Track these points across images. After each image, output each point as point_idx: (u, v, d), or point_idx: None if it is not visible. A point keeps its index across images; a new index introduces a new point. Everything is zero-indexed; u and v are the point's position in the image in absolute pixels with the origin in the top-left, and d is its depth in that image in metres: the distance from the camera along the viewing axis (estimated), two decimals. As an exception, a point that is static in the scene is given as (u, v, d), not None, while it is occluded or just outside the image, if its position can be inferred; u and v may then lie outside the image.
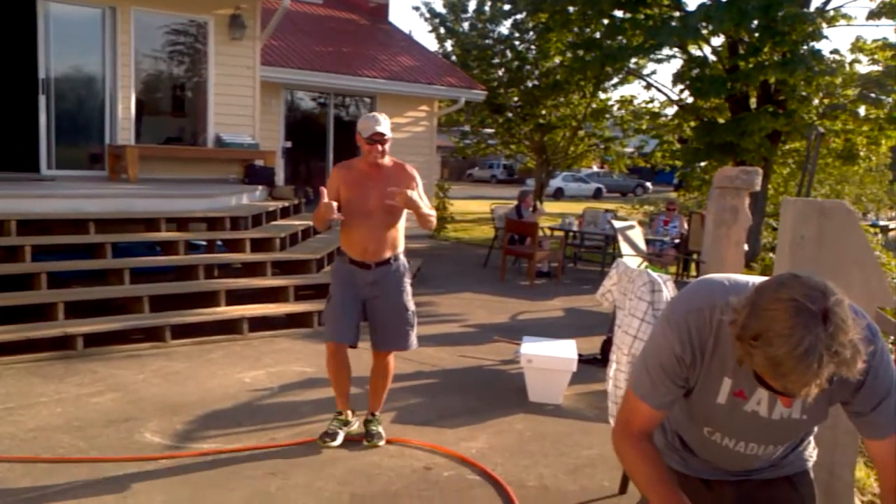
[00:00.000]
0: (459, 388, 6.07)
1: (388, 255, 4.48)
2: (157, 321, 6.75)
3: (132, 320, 6.73)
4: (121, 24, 9.78)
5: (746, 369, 1.65)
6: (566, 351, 5.82)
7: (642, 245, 7.45)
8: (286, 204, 10.08)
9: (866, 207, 29.56)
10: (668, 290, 3.63)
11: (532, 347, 5.82)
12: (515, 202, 12.16)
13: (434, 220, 4.53)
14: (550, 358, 5.66)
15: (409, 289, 4.62)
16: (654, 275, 3.63)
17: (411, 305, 4.62)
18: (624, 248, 7.05)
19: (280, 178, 11.84)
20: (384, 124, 4.28)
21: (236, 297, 7.52)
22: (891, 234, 28.22)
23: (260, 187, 10.25)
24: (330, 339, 4.53)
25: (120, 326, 6.56)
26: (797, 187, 9.24)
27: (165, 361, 6.27)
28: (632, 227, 7.60)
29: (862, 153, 15.91)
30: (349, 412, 4.76)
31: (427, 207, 4.40)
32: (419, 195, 4.36)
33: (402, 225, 4.55)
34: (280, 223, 9.45)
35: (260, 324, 7.28)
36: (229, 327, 7.07)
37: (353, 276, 4.48)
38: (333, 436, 4.57)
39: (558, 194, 35.79)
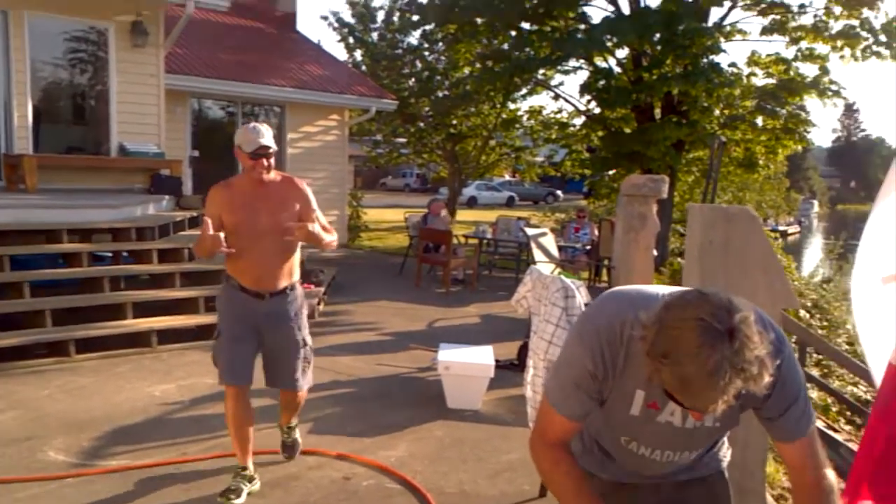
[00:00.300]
0: (377, 396, 6.01)
1: (284, 283, 3.98)
2: (61, 335, 6.48)
3: (34, 335, 6.44)
4: (13, 29, 9.37)
5: (658, 383, 1.67)
6: (483, 357, 5.83)
7: (555, 251, 7.56)
8: (194, 214, 9.83)
9: (766, 213, 30.76)
10: (581, 296, 3.67)
11: (449, 354, 5.82)
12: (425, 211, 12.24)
13: (335, 242, 4.07)
14: (468, 364, 5.66)
15: (305, 322, 4.14)
16: (567, 280, 3.67)
17: (308, 340, 4.15)
18: (537, 254, 7.14)
19: (187, 187, 11.55)
20: (267, 136, 3.77)
21: (144, 310, 7.28)
22: (789, 238, 29.47)
23: (167, 197, 9.98)
24: (229, 382, 3.91)
25: (21, 341, 6.27)
26: (702, 194, 9.52)
27: (71, 377, 6.02)
28: (544, 234, 7.70)
29: (761, 161, 16.58)
30: (252, 467, 4.06)
31: (326, 232, 3.96)
32: (315, 218, 3.95)
33: (297, 250, 4.07)
34: (188, 233, 9.21)
35: (169, 336, 7.07)
36: (137, 340, 6.85)
37: (245, 305, 3.95)
38: (237, 492, 3.89)
39: (472, 203, 36.04)
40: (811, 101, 15.22)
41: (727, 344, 1.50)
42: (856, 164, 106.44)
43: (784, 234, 36.27)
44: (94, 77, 10.37)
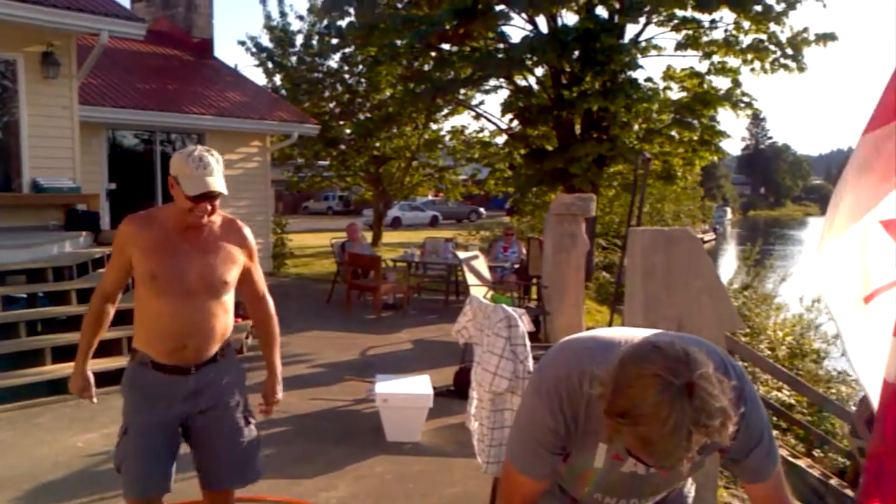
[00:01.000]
0: (313, 433, 5.87)
1: (215, 349, 3.01)
2: (-26, 387, 6.15)
3: (-56, 388, 6.09)
4: (-85, 64, 8.95)
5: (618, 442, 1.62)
6: (420, 387, 5.76)
7: (487, 274, 7.55)
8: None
9: (684, 222, 31.52)
10: (523, 325, 3.64)
11: (386, 386, 5.73)
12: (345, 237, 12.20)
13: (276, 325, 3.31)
14: (406, 395, 5.58)
15: (245, 391, 3.17)
16: (509, 310, 3.63)
17: (254, 414, 3.20)
18: (470, 278, 7.11)
19: (105, 221, 11.17)
20: (217, 174, 2.84)
21: (64, 354, 6.96)
22: (706, 245, 30.32)
23: (84, 233, 9.61)
24: (135, 496, 2.90)
25: (-71, 397, 5.93)
26: (628, 213, 9.67)
27: (-14, 432, 5.71)
28: (476, 257, 7.70)
29: (679, 174, 16.95)
30: None
31: (271, 318, 3.26)
32: (257, 277, 3.21)
33: (231, 299, 3.09)
34: (109, 271, 8.89)
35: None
36: (58, 387, 6.52)
37: (160, 389, 2.96)
38: None
39: (396, 223, 35.97)
40: (723, 113, 15.68)
41: (686, 401, 1.45)
42: (764, 170, 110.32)
43: (702, 242, 37.28)
44: (3, 110, 9.94)
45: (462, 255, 8.09)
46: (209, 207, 2.88)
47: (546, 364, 1.87)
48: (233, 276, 3.03)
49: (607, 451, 1.82)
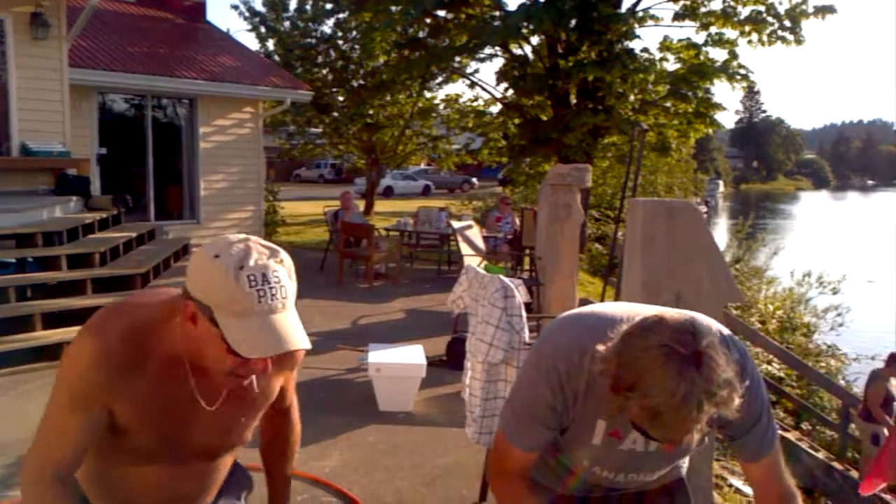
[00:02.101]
0: (305, 402, 5.75)
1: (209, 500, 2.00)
2: (-37, 352, 6.10)
3: (-68, 353, 6.04)
4: None
5: (625, 417, 1.59)
6: (414, 356, 5.74)
7: (481, 244, 7.51)
8: (104, 215, 9.41)
9: (676, 195, 31.47)
10: (520, 295, 3.60)
11: (379, 355, 5.70)
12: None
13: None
14: (399, 365, 5.56)
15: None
16: (507, 280, 3.59)
17: None
18: (463, 248, 7.07)
19: (96, 187, 11.06)
20: (291, 311, 1.65)
21: (54, 320, 6.91)
22: (698, 219, 30.35)
23: (74, 198, 9.52)
24: None
25: (-82, 361, 5.88)
26: (623, 184, 9.62)
27: (-25, 397, 5.67)
28: (469, 227, 7.65)
29: (674, 145, 16.89)
30: None
31: (298, 437, 2.26)
32: (290, 388, 2.12)
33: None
34: (99, 236, 8.81)
35: (83, 347, 6.72)
36: (48, 353, 6.48)
37: None
38: None
39: (388, 192, 35.81)
40: (718, 85, 15.60)
41: (695, 370, 1.43)
42: (757, 144, 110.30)
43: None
44: (-9, 72, 9.81)
45: (456, 224, 8.05)
46: (269, 365, 1.65)
47: (546, 339, 1.84)
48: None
49: (605, 427, 1.79)
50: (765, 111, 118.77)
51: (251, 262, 1.56)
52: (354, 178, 35.77)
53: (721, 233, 33.66)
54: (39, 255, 7.57)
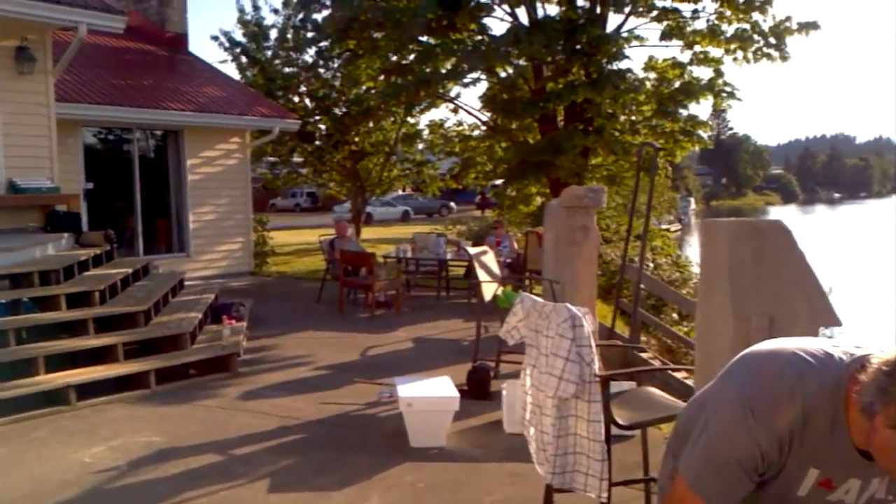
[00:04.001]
0: (331, 440, 5.60)
1: None
2: (-36, 401, 5.78)
3: (-67, 403, 5.72)
4: None
5: (842, 457, 1.43)
6: (444, 389, 5.52)
7: (496, 269, 7.33)
8: (98, 251, 9.14)
9: (659, 212, 31.57)
10: (587, 324, 3.41)
11: (408, 389, 5.47)
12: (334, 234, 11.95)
13: None
14: (431, 399, 5.33)
15: None
16: (574, 309, 3.40)
17: None
18: (480, 274, 6.88)
19: (83, 223, 10.75)
20: None
21: (57, 363, 6.60)
22: (672, 235, 30.46)
23: (66, 235, 9.23)
24: None
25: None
26: (631, 206, 9.52)
27: (-19, 449, 5.35)
28: (485, 252, 7.46)
29: (660, 164, 16.83)
30: None
31: None
32: None
33: None
34: (95, 273, 8.52)
35: (89, 390, 6.41)
36: (53, 398, 6.18)
37: None
38: None
39: (368, 219, 35.55)
40: (704, 103, 15.58)
41: None
42: (726, 160, 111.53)
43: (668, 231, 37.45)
44: (-25, 108, 9.50)
45: (472, 250, 7.88)
46: None
47: (758, 379, 1.62)
48: None
49: (817, 476, 1.59)
50: (732, 128, 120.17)
51: None
52: (333, 206, 35.50)
53: (696, 250, 33.77)
54: (37, 296, 7.26)
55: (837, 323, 3.00)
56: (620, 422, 3.41)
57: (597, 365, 3.38)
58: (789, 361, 1.59)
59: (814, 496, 1.64)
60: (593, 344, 3.39)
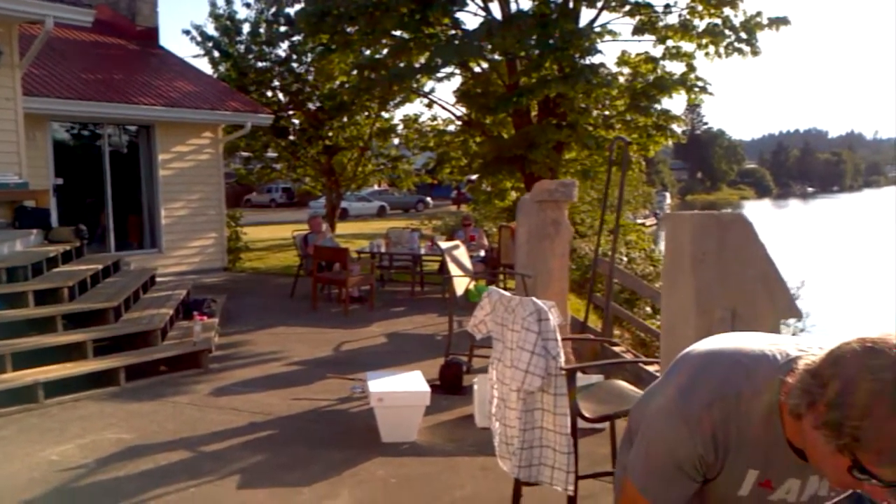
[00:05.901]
0: (302, 435, 5.58)
1: None
2: (-69, 400, 5.70)
3: None
4: None
5: (779, 457, 1.43)
6: (416, 384, 5.52)
7: (468, 264, 7.33)
8: (67, 247, 9.03)
9: (634, 207, 31.73)
10: (554, 318, 3.42)
11: (380, 384, 5.46)
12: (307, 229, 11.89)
13: None
14: (402, 394, 5.33)
15: None
16: (539, 302, 3.41)
17: None
18: (452, 268, 6.88)
19: (53, 219, 10.62)
20: None
21: (25, 360, 6.53)
22: (647, 230, 30.68)
23: (34, 231, 9.12)
24: None
25: None
26: (603, 200, 9.56)
27: (-53, 448, 5.29)
28: (456, 246, 7.46)
29: (633, 159, 16.93)
30: None
31: None
32: None
33: None
34: (64, 269, 8.43)
35: (57, 388, 6.34)
36: (21, 396, 6.11)
37: None
38: None
39: (343, 215, 35.43)
40: (668, 99, 15.65)
41: None
42: (700, 155, 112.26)
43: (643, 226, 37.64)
44: (-60, 103, 9.36)
45: (444, 245, 7.87)
46: None
47: (695, 383, 1.60)
48: None
49: (757, 477, 1.61)
50: (706, 123, 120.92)
51: None
52: (309, 202, 35.34)
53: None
54: (5, 293, 7.18)
55: (799, 315, 3.03)
56: (587, 414, 3.43)
57: (562, 358, 3.39)
58: (724, 365, 1.58)
59: (754, 496, 1.65)
60: (559, 338, 3.40)
